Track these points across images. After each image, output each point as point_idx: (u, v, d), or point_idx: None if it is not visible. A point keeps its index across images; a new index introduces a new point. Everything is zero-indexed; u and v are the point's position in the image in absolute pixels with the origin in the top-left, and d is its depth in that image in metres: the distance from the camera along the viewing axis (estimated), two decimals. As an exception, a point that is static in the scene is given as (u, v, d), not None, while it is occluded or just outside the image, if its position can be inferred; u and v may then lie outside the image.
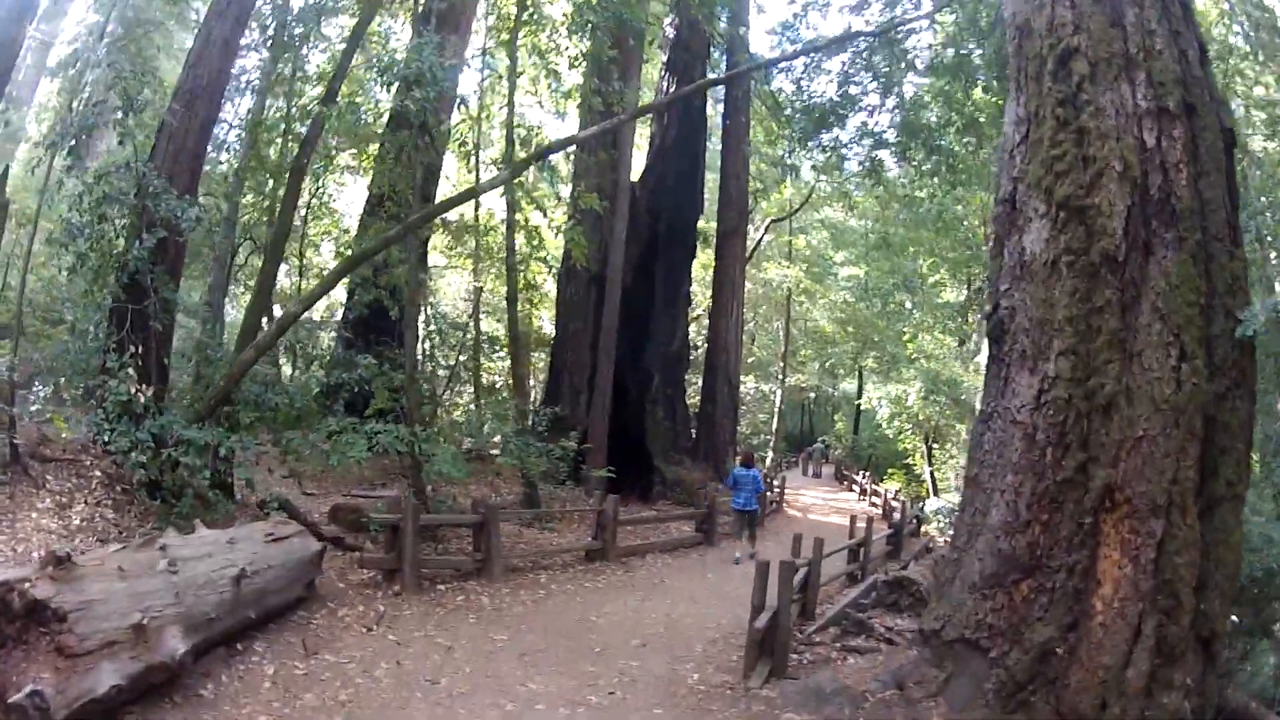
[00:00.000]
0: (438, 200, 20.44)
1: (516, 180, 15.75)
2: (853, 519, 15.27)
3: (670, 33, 24.99)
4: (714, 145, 31.03)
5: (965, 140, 18.07)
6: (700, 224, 27.52)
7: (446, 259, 31.02)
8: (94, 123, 16.08)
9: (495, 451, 17.48)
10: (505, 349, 24.80)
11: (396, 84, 11.34)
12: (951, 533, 13.80)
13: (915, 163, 18.68)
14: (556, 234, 14.74)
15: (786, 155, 24.62)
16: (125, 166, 12.13)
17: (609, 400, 18.78)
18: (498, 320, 31.08)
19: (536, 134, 15.41)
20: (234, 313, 34.00)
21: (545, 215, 15.46)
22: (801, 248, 41.74)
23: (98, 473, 10.42)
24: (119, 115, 12.67)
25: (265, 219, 25.86)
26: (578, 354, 21.80)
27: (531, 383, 34.51)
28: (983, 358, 27.02)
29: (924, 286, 36.02)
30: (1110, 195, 6.30)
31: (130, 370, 10.96)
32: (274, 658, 7.37)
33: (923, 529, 21.72)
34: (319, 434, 11.91)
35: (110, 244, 11.59)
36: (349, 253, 18.11)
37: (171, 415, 10.45)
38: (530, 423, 16.76)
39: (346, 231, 26.78)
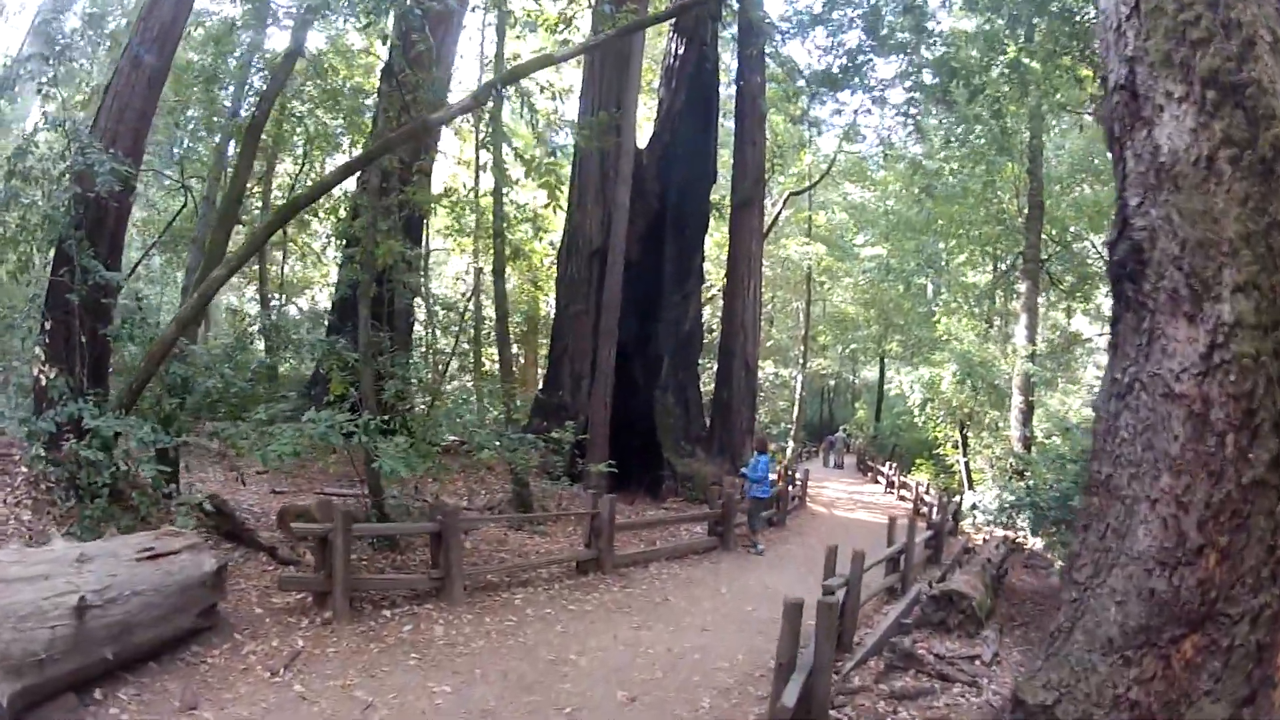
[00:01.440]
0: (430, 168, 18.61)
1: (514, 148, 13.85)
2: (892, 520, 13.15)
3: (678, -10, 22.87)
4: (728, 124, 28.95)
5: (1007, 85, 15.87)
6: (713, 197, 25.48)
7: (444, 238, 29.10)
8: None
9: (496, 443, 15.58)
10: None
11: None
12: (1055, 553, 11.50)
13: (956, 107, 16.51)
14: (527, 173, 12.54)
15: (806, 113, 22.48)
16: (49, 122, 10.63)
17: (611, 386, 16.72)
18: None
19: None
20: (228, 297, 32.59)
21: (520, 158, 13.27)
22: (821, 225, 39.44)
23: (24, 468, 9.14)
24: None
25: (258, 200, 24.26)
26: (580, 337, 19.77)
27: (539, 371, 32.75)
28: (1020, 339, 24.89)
29: (950, 266, 33.85)
30: (1268, 69, 4.41)
31: (38, 350, 9.91)
32: (140, 710, 5.58)
33: (959, 526, 19.61)
34: (250, 423, 10.09)
35: (41, 211, 10.20)
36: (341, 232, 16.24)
37: (84, 404, 8.76)
38: (509, 410, 14.75)
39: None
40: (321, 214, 18.92)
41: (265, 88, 15.65)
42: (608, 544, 10.98)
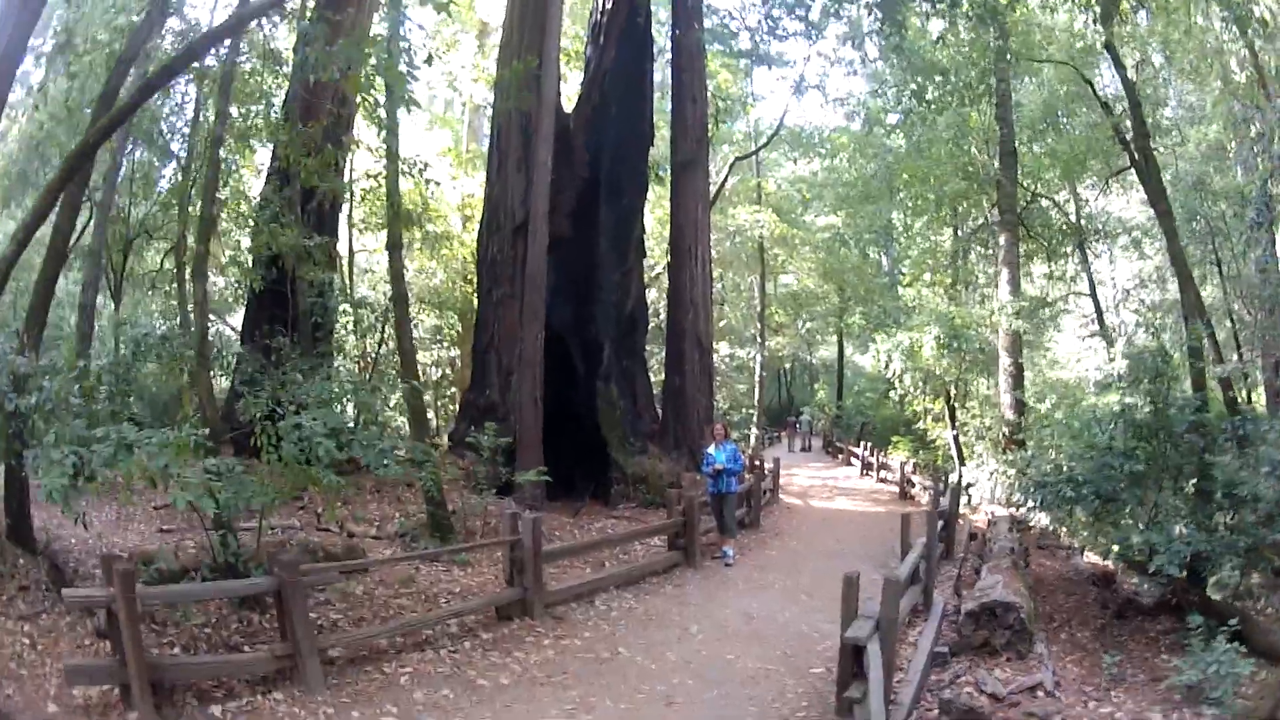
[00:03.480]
0: (336, 159, 15.87)
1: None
2: (905, 519, 10.59)
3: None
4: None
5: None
6: (651, 162, 22.91)
7: (361, 232, 26.22)
8: None
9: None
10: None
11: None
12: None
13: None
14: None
15: (752, 59, 20.09)
16: None
17: (541, 379, 13.95)
18: (436, 311, 26.67)
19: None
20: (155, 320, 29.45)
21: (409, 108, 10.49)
22: (771, 192, 36.97)
23: None
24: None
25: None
26: (507, 326, 17.04)
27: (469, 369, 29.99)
28: (1004, 294, 22.46)
29: (909, 233, 31.77)
30: None
31: None
32: None
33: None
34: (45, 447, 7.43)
35: None
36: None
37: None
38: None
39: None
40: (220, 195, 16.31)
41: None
42: (535, 579, 8.22)
